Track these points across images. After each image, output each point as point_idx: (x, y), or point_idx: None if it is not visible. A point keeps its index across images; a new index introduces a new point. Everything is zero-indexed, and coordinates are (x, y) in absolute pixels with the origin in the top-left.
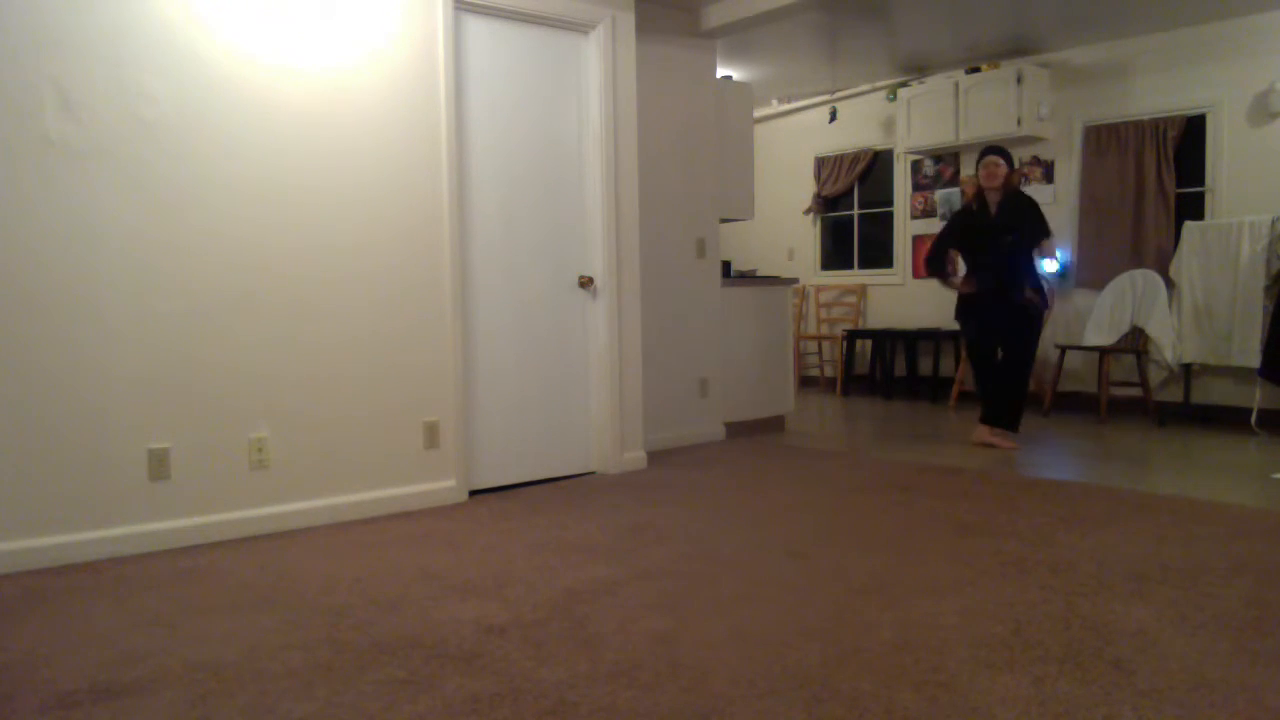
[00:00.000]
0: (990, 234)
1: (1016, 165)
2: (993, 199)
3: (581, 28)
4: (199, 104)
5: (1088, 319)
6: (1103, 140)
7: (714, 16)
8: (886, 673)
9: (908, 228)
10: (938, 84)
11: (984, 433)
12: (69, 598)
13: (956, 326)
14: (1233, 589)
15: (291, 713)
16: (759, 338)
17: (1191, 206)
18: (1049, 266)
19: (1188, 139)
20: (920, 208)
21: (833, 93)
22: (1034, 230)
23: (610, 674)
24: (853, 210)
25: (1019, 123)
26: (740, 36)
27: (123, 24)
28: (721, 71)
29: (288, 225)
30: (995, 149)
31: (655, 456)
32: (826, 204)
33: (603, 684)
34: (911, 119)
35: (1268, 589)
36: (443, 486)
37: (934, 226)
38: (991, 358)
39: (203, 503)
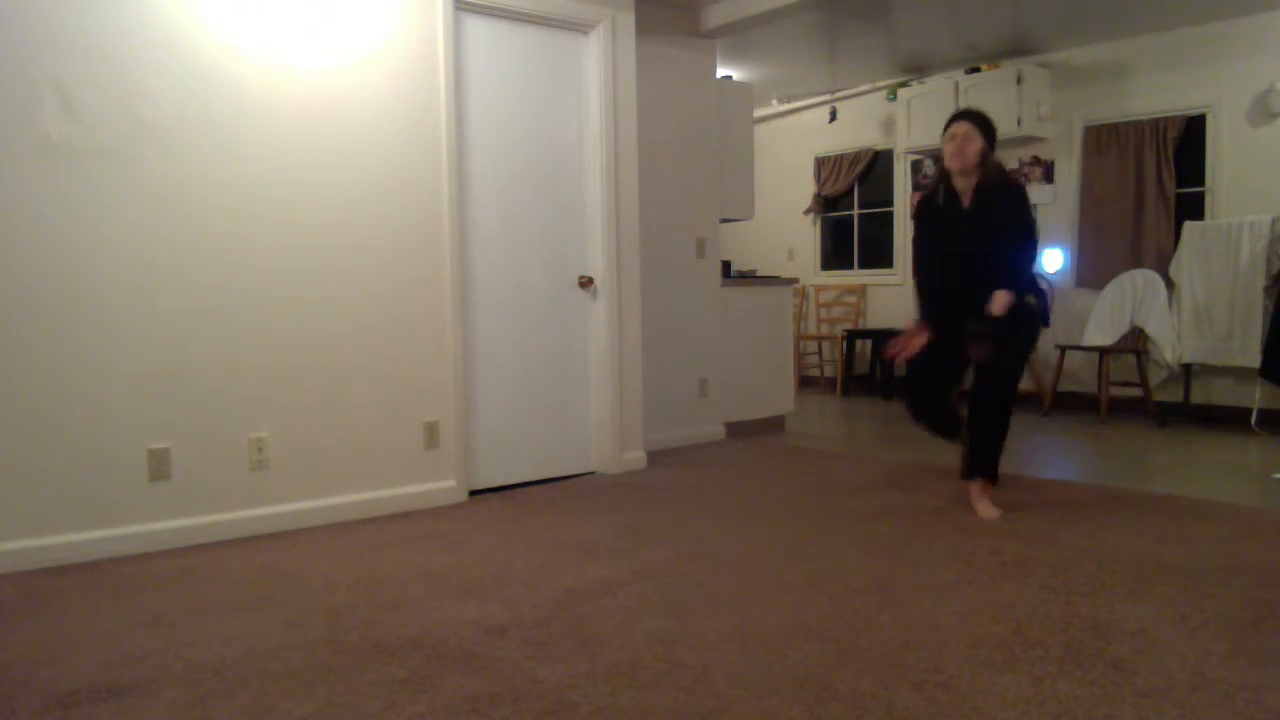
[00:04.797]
0: (963, 235)
1: (1018, 159)
2: (964, 185)
3: (581, 28)
4: (199, 103)
5: (1088, 319)
6: (1103, 140)
7: (714, 16)
8: (886, 673)
9: (908, 228)
10: (938, 84)
11: (983, 501)
12: (69, 598)
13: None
14: (1233, 589)
15: (291, 713)
16: (759, 338)
17: (1191, 206)
18: (1050, 262)
19: (1188, 139)
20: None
21: (833, 93)
22: (1012, 232)
23: (610, 674)
24: (853, 210)
25: (1019, 123)
26: (740, 36)
27: (123, 24)
28: (721, 71)
29: (288, 224)
30: (965, 113)
31: (655, 456)
32: (826, 204)
33: (603, 684)
34: (911, 119)
35: (1268, 589)
36: (443, 486)
37: None
38: (940, 384)
39: (203, 503)
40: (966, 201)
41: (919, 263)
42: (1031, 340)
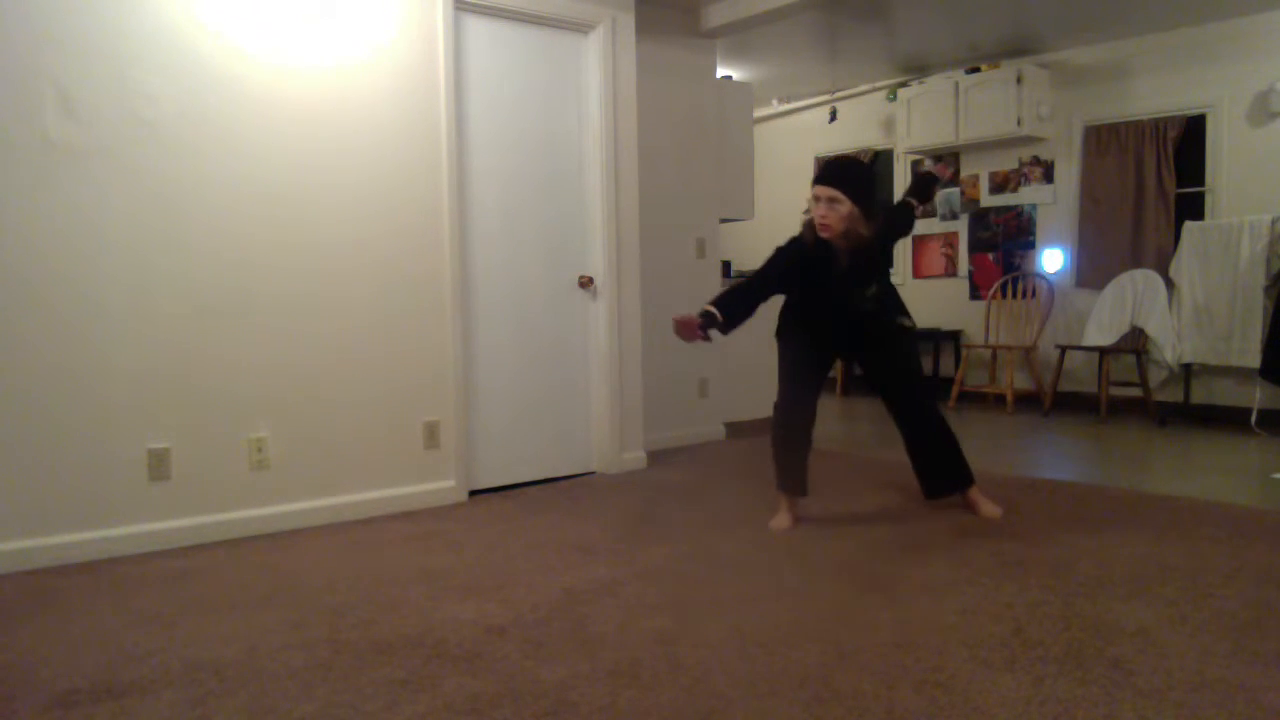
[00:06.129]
0: (837, 291)
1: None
2: (840, 245)
3: (581, 28)
4: (199, 103)
5: (1088, 319)
6: (1103, 140)
7: (714, 16)
8: (886, 673)
9: None
10: (938, 84)
11: (984, 502)
12: (69, 598)
13: (955, 326)
14: (1233, 589)
15: (291, 713)
16: (759, 338)
17: (1191, 206)
18: (1050, 262)
19: (1188, 139)
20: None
21: (833, 93)
22: (900, 232)
23: (610, 674)
24: None
25: (1019, 123)
26: (740, 36)
27: (123, 24)
28: (721, 71)
29: (288, 223)
30: (830, 172)
31: (655, 456)
32: None
33: (603, 684)
34: (911, 119)
35: (1268, 589)
36: (443, 486)
37: (933, 226)
38: (815, 393)
39: (203, 503)
40: (844, 261)
41: (753, 288)
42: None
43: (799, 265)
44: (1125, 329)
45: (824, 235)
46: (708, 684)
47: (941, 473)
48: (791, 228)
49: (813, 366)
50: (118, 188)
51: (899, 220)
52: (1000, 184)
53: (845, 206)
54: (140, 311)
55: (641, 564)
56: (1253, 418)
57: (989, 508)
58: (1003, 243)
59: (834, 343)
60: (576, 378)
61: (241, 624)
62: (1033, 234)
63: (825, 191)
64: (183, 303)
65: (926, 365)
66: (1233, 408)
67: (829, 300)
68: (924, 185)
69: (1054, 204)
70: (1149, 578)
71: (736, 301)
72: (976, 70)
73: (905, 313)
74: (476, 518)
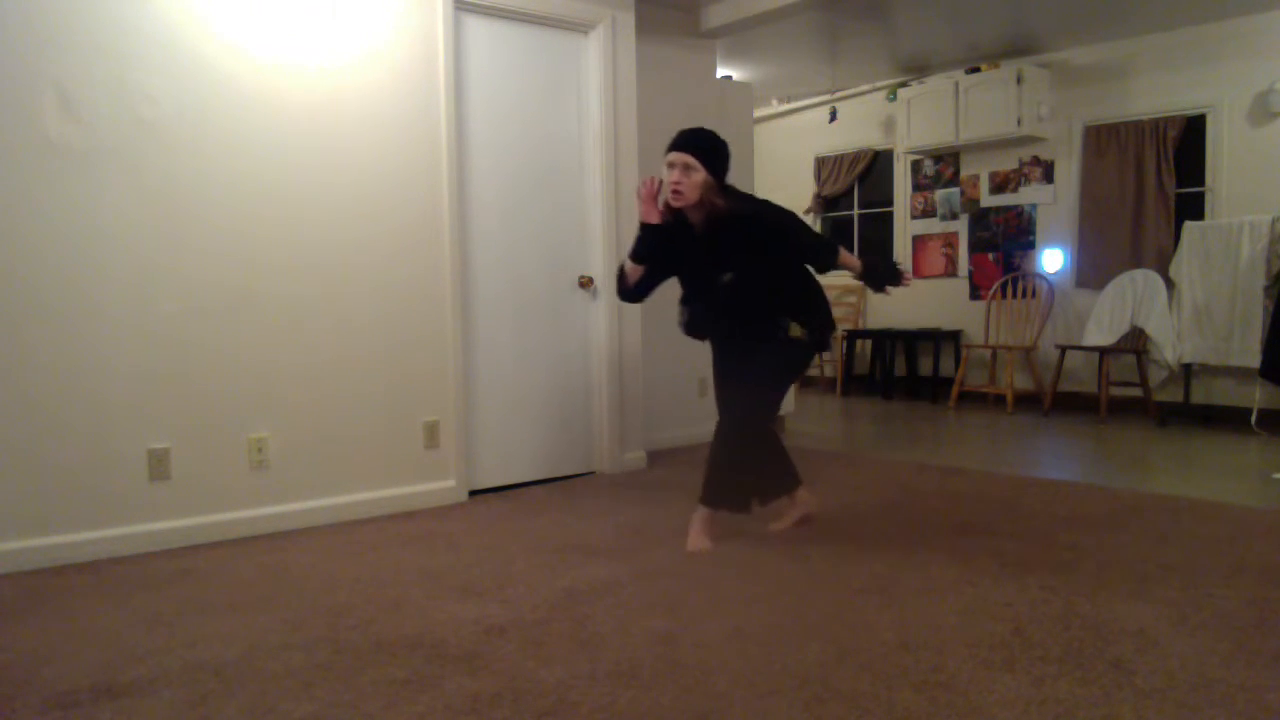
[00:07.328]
0: (695, 259)
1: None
2: (694, 216)
3: (581, 28)
4: (199, 103)
5: (1088, 319)
6: (1103, 140)
7: (714, 16)
8: (886, 673)
9: (908, 228)
10: (938, 84)
11: (699, 526)
12: (69, 598)
13: (955, 326)
14: (1233, 589)
15: (291, 713)
16: None
17: (1191, 206)
18: (1050, 262)
19: (1188, 139)
20: (920, 208)
21: (833, 93)
22: (786, 248)
23: (610, 674)
24: (853, 210)
25: (1019, 123)
26: (740, 36)
27: (123, 24)
28: (721, 71)
29: (288, 223)
30: (684, 139)
31: (655, 456)
32: (826, 204)
33: (603, 684)
34: (911, 119)
35: (1268, 589)
36: (443, 486)
37: (934, 227)
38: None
39: (203, 503)
40: (698, 230)
41: (635, 253)
42: (795, 367)
43: (662, 235)
44: (1125, 329)
45: (677, 204)
46: (708, 684)
47: (711, 483)
48: None
49: (719, 367)
50: (118, 187)
51: (815, 247)
52: (1000, 184)
53: (700, 174)
54: (139, 310)
55: (641, 564)
56: (1253, 418)
57: (699, 539)
58: (1003, 243)
59: (713, 333)
60: (576, 378)
61: (241, 624)
62: (1033, 234)
63: (680, 158)
64: (183, 302)
65: (926, 366)
66: (1233, 408)
67: (690, 281)
68: (886, 273)
69: (1054, 204)
70: (1149, 578)
71: (620, 279)
72: (976, 70)
73: (807, 319)
74: (476, 518)
